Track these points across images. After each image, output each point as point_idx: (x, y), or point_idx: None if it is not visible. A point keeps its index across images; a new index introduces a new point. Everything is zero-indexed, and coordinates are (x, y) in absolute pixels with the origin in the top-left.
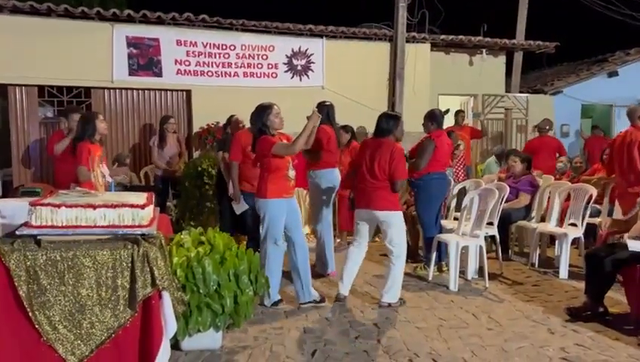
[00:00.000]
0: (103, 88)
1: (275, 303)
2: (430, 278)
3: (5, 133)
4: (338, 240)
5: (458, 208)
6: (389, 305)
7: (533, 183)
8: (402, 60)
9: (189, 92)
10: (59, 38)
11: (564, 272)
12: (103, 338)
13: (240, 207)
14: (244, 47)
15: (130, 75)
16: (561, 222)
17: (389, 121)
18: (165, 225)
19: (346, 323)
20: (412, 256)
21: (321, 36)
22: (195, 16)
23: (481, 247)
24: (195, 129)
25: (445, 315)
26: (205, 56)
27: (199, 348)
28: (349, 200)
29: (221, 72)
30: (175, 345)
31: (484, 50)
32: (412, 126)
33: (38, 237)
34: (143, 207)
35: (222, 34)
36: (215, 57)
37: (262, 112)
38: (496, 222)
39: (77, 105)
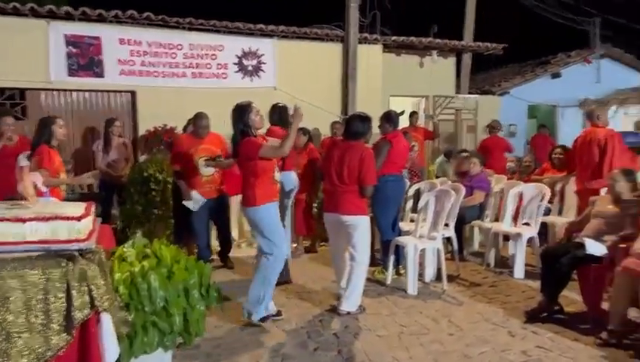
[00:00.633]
0: (40, 90)
1: (264, 318)
2: (388, 282)
3: None
4: (294, 245)
5: (414, 210)
6: (348, 313)
7: (487, 181)
8: (354, 61)
9: (133, 93)
10: None
11: (519, 272)
12: None
13: (194, 203)
14: (191, 47)
15: (69, 75)
16: (514, 221)
17: (364, 124)
18: (107, 238)
19: (304, 334)
20: (370, 259)
21: (271, 36)
22: (139, 14)
23: (438, 250)
24: (141, 132)
25: (406, 321)
26: (150, 56)
27: None
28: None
29: (168, 73)
30: None
31: (434, 52)
32: None
33: None
34: (79, 218)
35: (168, 33)
36: (161, 57)
37: (243, 112)
38: (452, 224)
39: (10, 108)
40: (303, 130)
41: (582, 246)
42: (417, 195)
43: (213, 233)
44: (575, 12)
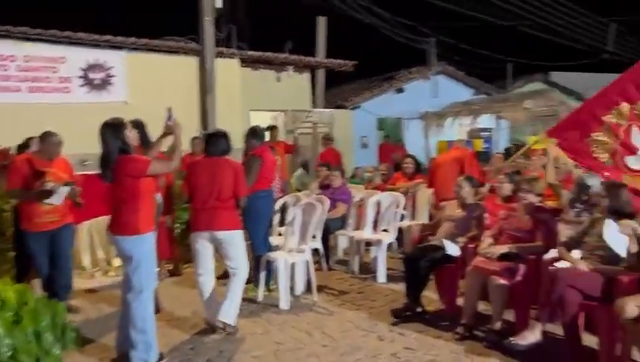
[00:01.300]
0: None
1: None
2: (260, 299)
3: None
4: (157, 269)
5: (280, 223)
6: (225, 326)
7: (348, 192)
8: (212, 76)
9: None
10: None
11: (382, 276)
12: None
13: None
14: (27, 59)
15: None
16: (374, 228)
17: (227, 141)
18: None
19: None
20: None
21: (120, 48)
22: None
23: (308, 262)
24: None
25: (280, 338)
26: None
27: None
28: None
29: None
30: None
31: (290, 67)
32: None
33: None
34: None
35: None
36: None
37: (118, 129)
38: (319, 235)
39: None
40: None
41: (439, 248)
42: (283, 209)
43: None
44: (414, 32)
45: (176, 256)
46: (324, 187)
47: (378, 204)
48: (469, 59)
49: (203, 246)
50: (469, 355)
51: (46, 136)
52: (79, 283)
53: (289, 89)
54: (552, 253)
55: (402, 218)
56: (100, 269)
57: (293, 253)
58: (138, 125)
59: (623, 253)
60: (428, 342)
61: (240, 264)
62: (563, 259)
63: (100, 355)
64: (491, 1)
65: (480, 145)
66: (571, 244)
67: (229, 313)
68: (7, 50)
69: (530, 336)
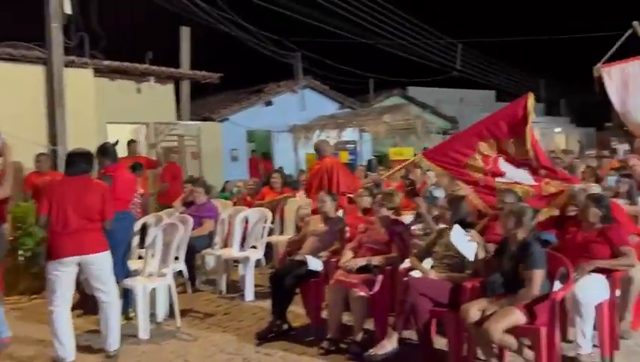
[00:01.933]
0: None
1: None
2: None
3: None
4: None
5: (140, 246)
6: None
7: (214, 208)
8: (61, 86)
9: None
10: None
11: (250, 294)
12: None
13: None
14: None
15: None
16: (242, 245)
17: (87, 160)
18: None
19: None
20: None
21: None
22: None
23: (170, 286)
24: None
25: None
26: None
27: None
28: None
29: None
30: None
31: (151, 78)
32: None
33: None
34: None
35: None
36: None
37: None
38: (182, 256)
39: None
40: None
41: (303, 264)
42: (144, 230)
43: None
44: (281, 46)
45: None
46: (189, 204)
47: (246, 220)
48: (334, 73)
49: (66, 274)
50: None
51: None
52: None
53: (151, 100)
54: (407, 263)
55: (271, 232)
56: None
57: (153, 278)
58: None
59: (470, 257)
60: (293, 359)
61: (112, 286)
62: (415, 269)
63: None
64: (354, 20)
65: (346, 157)
66: (422, 254)
67: (114, 339)
68: None
69: (388, 345)
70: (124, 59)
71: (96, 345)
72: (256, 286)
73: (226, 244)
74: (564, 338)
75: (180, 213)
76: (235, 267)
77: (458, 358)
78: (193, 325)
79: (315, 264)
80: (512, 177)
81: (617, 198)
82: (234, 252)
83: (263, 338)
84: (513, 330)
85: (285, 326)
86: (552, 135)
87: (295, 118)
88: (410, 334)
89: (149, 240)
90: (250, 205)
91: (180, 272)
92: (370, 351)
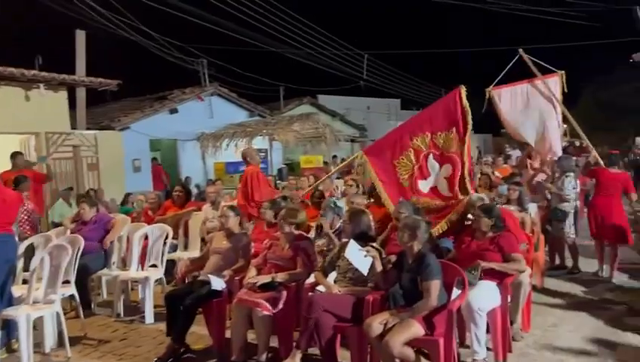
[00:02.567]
0: None
1: None
2: None
3: None
4: None
5: (26, 269)
6: None
7: (106, 215)
8: None
9: None
10: None
11: (150, 317)
12: None
13: None
14: None
15: None
16: (142, 263)
17: None
18: None
19: None
20: None
21: None
22: None
23: (58, 314)
24: None
25: None
26: None
27: None
28: None
29: None
30: None
31: (41, 85)
32: None
33: None
34: None
35: None
36: None
37: None
38: (73, 279)
39: None
40: None
41: (205, 283)
42: (31, 252)
43: None
44: (185, 53)
45: None
46: (83, 222)
47: (145, 237)
48: (243, 81)
49: None
50: None
51: None
52: None
53: (41, 109)
54: (312, 279)
55: (175, 248)
56: None
57: (39, 305)
58: None
59: (364, 272)
60: None
61: None
62: (320, 284)
63: None
64: (264, 30)
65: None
66: (326, 268)
67: None
68: None
69: None
70: (10, 64)
71: None
72: (157, 306)
73: (124, 263)
74: (463, 344)
75: (71, 232)
76: (134, 288)
77: None
78: (85, 354)
79: (218, 283)
80: (430, 182)
81: (509, 205)
82: (132, 272)
83: None
84: (413, 342)
85: (182, 350)
86: None
87: (202, 125)
88: (315, 350)
89: (33, 264)
90: (151, 220)
91: (71, 296)
92: None
